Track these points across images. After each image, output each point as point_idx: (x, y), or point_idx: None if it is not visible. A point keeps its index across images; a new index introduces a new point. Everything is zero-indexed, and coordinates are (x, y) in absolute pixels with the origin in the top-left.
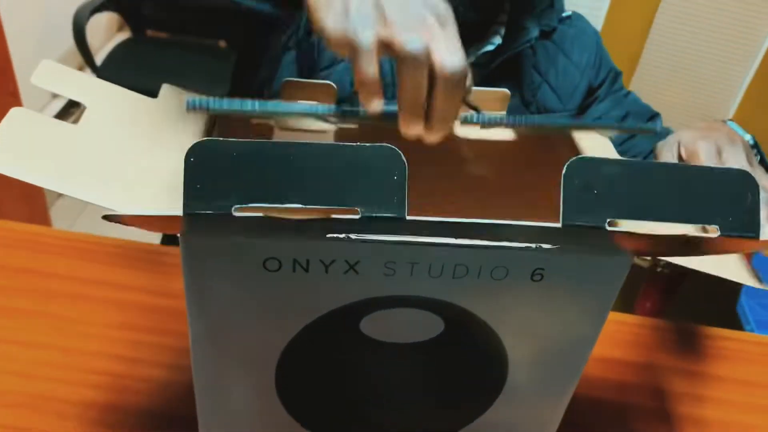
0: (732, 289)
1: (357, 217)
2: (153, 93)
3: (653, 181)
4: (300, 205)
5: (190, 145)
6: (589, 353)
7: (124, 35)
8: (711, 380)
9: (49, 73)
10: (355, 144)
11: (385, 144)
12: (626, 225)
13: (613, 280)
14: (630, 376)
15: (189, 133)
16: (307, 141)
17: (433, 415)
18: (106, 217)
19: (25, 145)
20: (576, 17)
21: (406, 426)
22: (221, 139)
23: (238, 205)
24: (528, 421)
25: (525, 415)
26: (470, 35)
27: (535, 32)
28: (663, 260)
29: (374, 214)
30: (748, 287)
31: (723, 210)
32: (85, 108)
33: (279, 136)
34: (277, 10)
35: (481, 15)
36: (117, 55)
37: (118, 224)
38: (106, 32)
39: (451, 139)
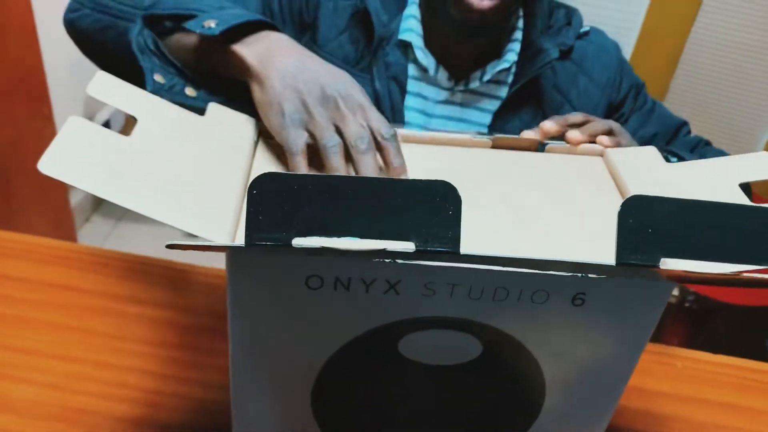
0: (760, 324)
1: (411, 250)
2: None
3: (707, 219)
4: (357, 238)
5: (235, 162)
6: (627, 381)
7: None
8: (748, 413)
9: (103, 85)
10: (412, 179)
11: (440, 179)
12: (680, 265)
13: (654, 305)
14: (660, 406)
15: (236, 149)
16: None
17: None
18: (170, 246)
19: (81, 153)
20: (594, 32)
21: None
22: (283, 172)
23: (298, 237)
24: None
25: None
26: (484, 53)
27: (554, 53)
28: (691, 295)
29: (428, 248)
30: None
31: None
32: (136, 121)
33: None
34: (225, 103)
35: (488, 30)
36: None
37: (143, 244)
38: None
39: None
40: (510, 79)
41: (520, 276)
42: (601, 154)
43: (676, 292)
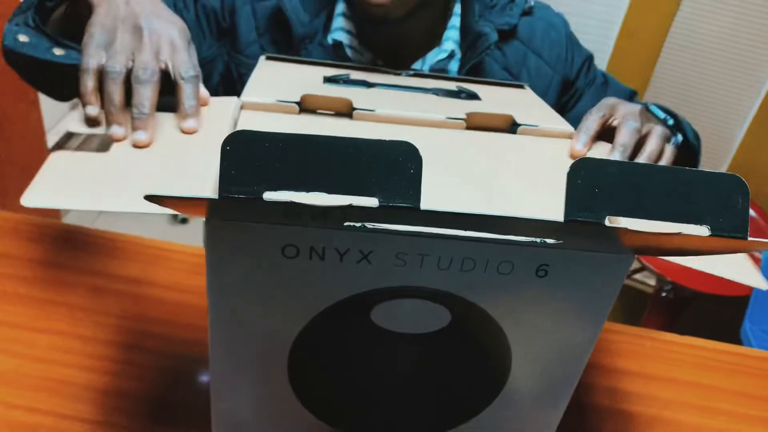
0: (735, 314)
1: (375, 205)
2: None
3: (651, 182)
4: (324, 193)
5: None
6: (588, 355)
7: None
8: (709, 391)
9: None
10: (376, 139)
11: (403, 140)
12: (624, 222)
13: (614, 278)
14: (627, 384)
15: (217, 127)
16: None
17: (435, 408)
18: (149, 198)
19: (63, 179)
20: (539, 8)
21: (408, 418)
22: (255, 130)
23: (269, 191)
24: (527, 419)
25: (523, 417)
26: (424, 42)
27: (493, 36)
28: (668, 285)
29: (391, 204)
30: (753, 312)
31: (714, 211)
32: None
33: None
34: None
35: (394, 23)
36: None
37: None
38: None
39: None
40: (454, 66)
41: (486, 247)
42: (570, 136)
43: (653, 282)
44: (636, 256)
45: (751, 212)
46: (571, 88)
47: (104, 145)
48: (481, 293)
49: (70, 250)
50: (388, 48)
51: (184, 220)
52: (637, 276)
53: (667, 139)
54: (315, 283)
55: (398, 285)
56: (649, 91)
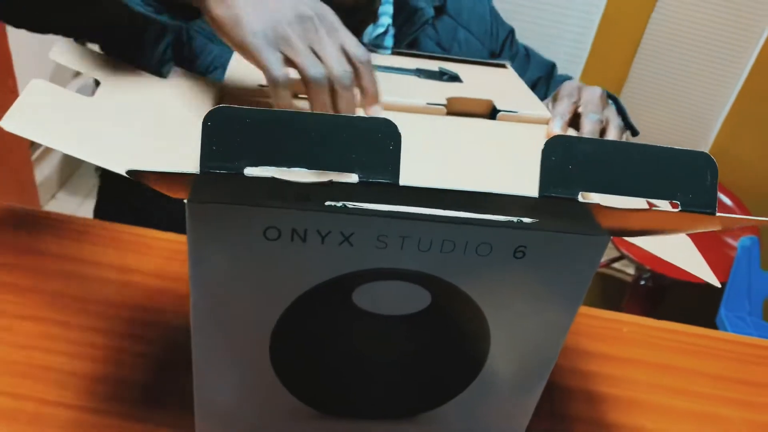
0: (712, 301)
1: (355, 181)
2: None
3: (623, 159)
4: (305, 169)
5: (194, 124)
6: (564, 337)
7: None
8: (684, 373)
9: (66, 50)
10: (356, 116)
11: (383, 117)
12: (597, 198)
13: (590, 259)
14: (604, 367)
15: (195, 112)
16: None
17: (416, 390)
18: (130, 173)
19: (43, 112)
20: None
21: (389, 400)
22: (236, 106)
23: (250, 167)
24: (505, 400)
25: (501, 398)
26: (358, 19)
27: (430, 11)
28: (647, 273)
29: (370, 180)
30: (728, 299)
31: (684, 187)
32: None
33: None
34: (175, 21)
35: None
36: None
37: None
38: None
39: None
40: (390, 42)
41: (465, 228)
42: (547, 122)
43: (632, 270)
44: (613, 240)
45: (728, 201)
46: (496, 59)
47: (86, 87)
48: (460, 275)
49: (52, 237)
50: None
51: None
52: (617, 265)
53: (622, 129)
54: (297, 265)
55: (379, 267)
56: (630, 81)
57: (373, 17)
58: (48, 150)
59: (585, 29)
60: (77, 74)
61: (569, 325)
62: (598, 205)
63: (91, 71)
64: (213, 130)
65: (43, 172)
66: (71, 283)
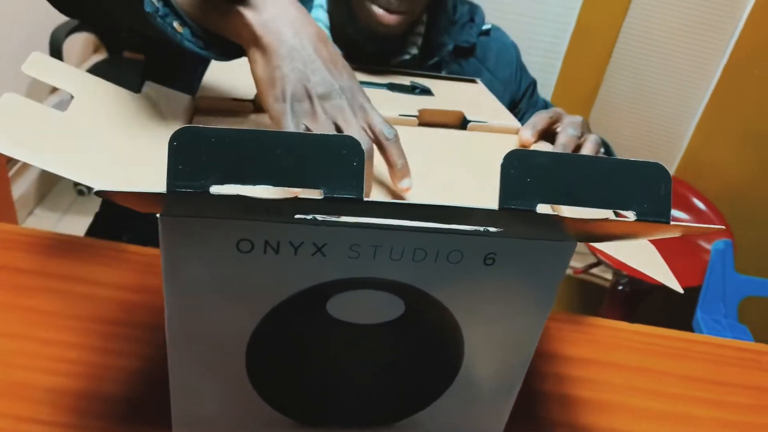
0: (688, 305)
1: (320, 197)
2: None
3: (579, 171)
4: (270, 186)
5: (165, 139)
6: (536, 341)
7: (101, 56)
8: (658, 375)
9: (39, 64)
10: (321, 134)
11: (347, 135)
12: (555, 209)
13: (558, 263)
14: (579, 371)
15: (169, 124)
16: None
17: (391, 398)
18: (98, 193)
19: (14, 124)
20: (495, 30)
21: (365, 408)
22: (202, 126)
23: (216, 185)
24: (481, 405)
25: (477, 404)
26: (390, 45)
27: (450, 46)
28: (624, 279)
29: (335, 195)
30: (704, 302)
31: (639, 197)
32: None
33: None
34: (221, 58)
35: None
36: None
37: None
38: (83, 52)
39: None
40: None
41: (436, 237)
42: (517, 132)
43: (609, 276)
44: (589, 247)
45: (702, 206)
46: (516, 107)
47: (63, 103)
48: (432, 282)
49: (25, 253)
50: (363, 51)
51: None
52: (595, 270)
53: (600, 145)
54: (270, 277)
55: (353, 276)
56: (603, 89)
57: (402, 46)
58: (25, 166)
59: (558, 39)
60: (54, 90)
61: (541, 328)
62: (557, 216)
63: (64, 85)
64: (179, 149)
65: (20, 188)
66: (46, 299)
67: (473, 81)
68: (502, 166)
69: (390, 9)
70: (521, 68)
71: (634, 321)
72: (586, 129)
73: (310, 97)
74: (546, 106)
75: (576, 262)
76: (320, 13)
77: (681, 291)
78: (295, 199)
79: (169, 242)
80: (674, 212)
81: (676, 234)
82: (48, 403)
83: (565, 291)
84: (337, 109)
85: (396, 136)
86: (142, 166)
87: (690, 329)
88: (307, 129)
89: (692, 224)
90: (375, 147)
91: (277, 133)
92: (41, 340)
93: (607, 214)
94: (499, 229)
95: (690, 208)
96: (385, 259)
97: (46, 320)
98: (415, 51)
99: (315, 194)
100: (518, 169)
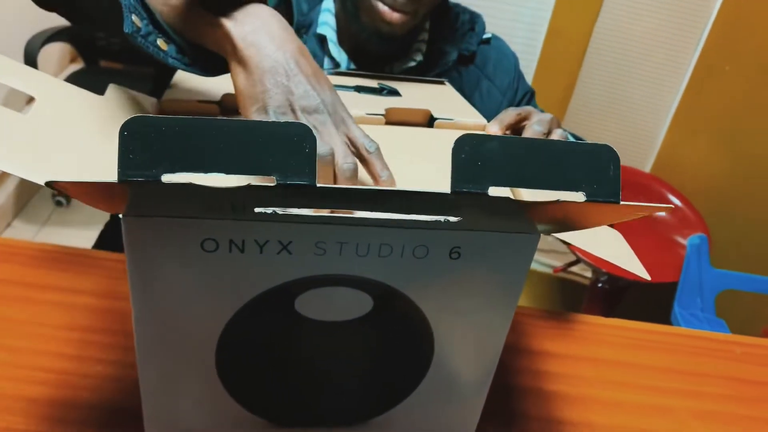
0: (667, 300)
1: (273, 184)
2: None
3: (530, 155)
4: (222, 174)
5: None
6: (506, 333)
7: (78, 66)
8: (633, 368)
9: (1, 66)
10: (271, 121)
11: (299, 122)
12: (506, 192)
13: (523, 256)
14: (554, 366)
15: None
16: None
17: (362, 396)
18: (49, 184)
19: None
20: (495, 39)
21: (336, 407)
22: (152, 115)
23: (167, 173)
24: (453, 400)
25: (449, 398)
26: (393, 54)
27: (453, 55)
28: (604, 276)
29: (288, 182)
30: (681, 297)
31: (590, 178)
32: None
33: None
34: (205, 74)
35: (396, 40)
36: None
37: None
38: (59, 62)
39: None
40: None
41: (401, 232)
42: (483, 128)
43: (589, 273)
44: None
45: (678, 202)
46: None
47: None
48: (399, 278)
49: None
50: (368, 54)
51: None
52: (574, 268)
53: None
54: (237, 276)
55: (319, 274)
56: (577, 90)
57: (406, 52)
58: (2, 178)
59: (532, 41)
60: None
61: (509, 322)
62: (509, 199)
63: (24, 87)
64: (129, 138)
65: None
66: (18, 308)
67: (441, 83)
68: (453, 150)
69: (395, 7)
70: (519, 77)
71: (615, 316)
72: (555, 125)
73: (293, 110)
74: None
75: (555, 261)
76: (328, 17)
77: (648, 278)
78: (248, 187)
79: (134, 244)
80: None
81: (630, 216)
82: (20, 412)
83: (546, 289)
84: (320, 123)
85: (377, 149)
86: (106, 169)
87: (669, 324)
88: None
89: (642, 204)
90: (358, 162)
91: (228, 121)
92: (12, 349)
93: (557, 195)
94: (457, 218)
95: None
96: (352, 255)
97: (17, 329)
98: (419, 58)
99: (268, 181)
100: (469, 154)
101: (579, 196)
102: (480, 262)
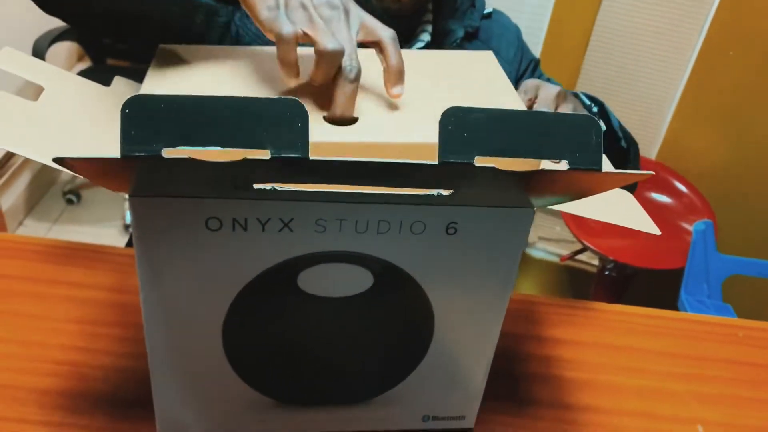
0: (673, 287)
1: (267, 157)
2: None
3: (515, 126)
4: (218, 148)
5: None
6: (504, 308)
7: (85, 65)
8: (638, 353)
9: (10, 58)
10: (264, 98)
11: (290, 97)
12: (492, 161)
13: (518, 231)
14: (560, 351)
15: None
16: (228, 95)
17: (367, 373)
18: (56, 160)
19: None
20: (496, 13)
21: (343, 385)
22: (152, 94)
23: (167, 148)
24: (455, 379)
25: (449, 376)
26: (401, 34)
27: (460, 33)
28: (611, 264)
29: (282, 155)
30: (687, 283)
31: (572, 148)
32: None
33: None
34: (215, 3)
35: (405, 18)
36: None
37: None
38: (67, 61)
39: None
40: None
41: (398, 208)
42: None
43: (596, 261)
44: (575, 234)
45: (683, 188)
46: (517, 84)
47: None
48: (397, 253)
49: (8, 258)
50: None
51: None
52: (581, 257)
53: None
54: (240, 254)
55: (321, 250)
56: (581, 77)
57: (412, 34)
58: (14, 177)
59: (536, 32)
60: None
61: (506, 299)
62: (494, 168)
63: (34, 77)
64: (131, 116)
65: (9, 199)
66: (30, 302)
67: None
68: (440, 122)
69: None
70: (523, 48)
71: (623, 304)
72: (561, 100)
73: (304, 6)
74: (549, 81)
75: (562, 250)
76: None
77: (658, 232)
78: (244, 160)
79: (140, 223)
80: (657, 196)
81: (614, 186)
82: (33, 403)
83: (554, 278)
84: (332, 19)
85: (395, 38)
86: (111, 153)
87: (675, 308)
88: (305, 35)
89: (622, 171)
90: (373, 53)
91: (224, 98)
92: (25, 343)
93: (542, 163)
94: (450, 192)
95: (672, 191)
96: (351, 232)
97: (30, 323)
98: (427, 38)
99: (262, 155)
100: (455, 125)
101: (562, 165)
102: (476, 238)
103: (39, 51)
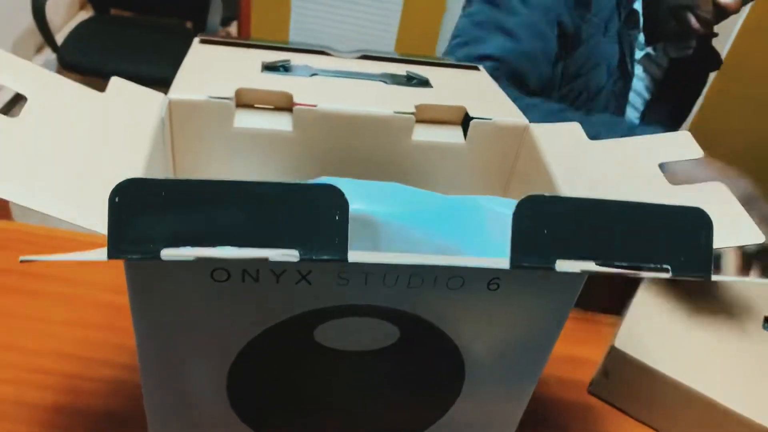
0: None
1: (295, 260)
2: (115, 73)
3: (603, 219)
4: (234, 248)
5: (135, 146)
6: (547, 358)
7: (87, 14)
8: None
9: None
10: (293, 183)
11: (326, 183)
12: (575, 265)
13: (569, 290)
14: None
15: (137, 131)
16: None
17: (388, 426)
18: (25, 261)
19: None
20: None
21: None
22: (149, 178)
23: (167, 248)
24: (485, 421)
25: (483, 416)
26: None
27: None
28: None
29: (313, 258)
30: None
31: (675, 249)
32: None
33: (238, 137)
34: None
35: None
36: (78, 34)
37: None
38: (68, 10)
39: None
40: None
41: (434, 266)
42: (524, 129)
43: None
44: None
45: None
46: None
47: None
48: (430, 308)
49: (4, 250)
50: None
51: None
52: None
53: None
54: (250, 306)
55: (342, 304)
56: None
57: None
58: None
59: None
60: (41, 48)
61: (548, 354)
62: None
63: (15, 84)
64: (122, 207)
65: None
66: (18, 300)
67: (475, 68)
68: (515, 216)
69: None
70: None
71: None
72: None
73: None
74: None
75: None
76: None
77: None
78: (265, 260)
79: (137, 285)
80: None
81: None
82: (23, 420)
83: None
84: None
85: None
86: (106, 182)
87: None
88: None
89: (736, 278)
90: None
91: (242, 183)
92: (11, 347)
93: (638, 272)
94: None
95: None
96: (378, 285)
97: (17, 324)
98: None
99: (289, 256)
100: (532, 219)
101: (663, 273)
102: (521, 294)
103: (39, 1)
